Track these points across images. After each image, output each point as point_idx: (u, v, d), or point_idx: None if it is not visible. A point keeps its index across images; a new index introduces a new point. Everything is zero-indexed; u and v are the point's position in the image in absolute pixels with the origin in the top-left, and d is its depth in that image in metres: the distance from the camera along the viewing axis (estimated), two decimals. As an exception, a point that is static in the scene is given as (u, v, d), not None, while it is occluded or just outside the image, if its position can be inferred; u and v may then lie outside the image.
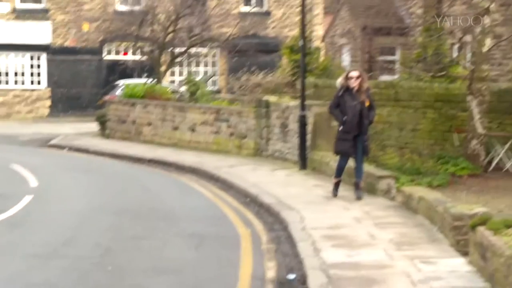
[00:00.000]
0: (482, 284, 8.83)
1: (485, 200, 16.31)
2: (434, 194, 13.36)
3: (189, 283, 9.39)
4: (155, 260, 10.55)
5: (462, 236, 10.63)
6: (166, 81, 34.88)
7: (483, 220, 9.58)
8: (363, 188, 14.90)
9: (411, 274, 9.31)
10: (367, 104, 14.51)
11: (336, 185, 14.92)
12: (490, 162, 20.96)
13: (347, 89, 14.54)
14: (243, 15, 41.12)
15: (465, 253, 10.20)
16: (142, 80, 32.20)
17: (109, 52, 40.66)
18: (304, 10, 20.19)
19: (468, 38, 21.68)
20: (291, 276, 9.85)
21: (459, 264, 9.81)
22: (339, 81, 14.77)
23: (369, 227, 12.12)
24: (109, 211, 14.25)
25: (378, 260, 10.02)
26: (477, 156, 20.45)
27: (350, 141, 14.45)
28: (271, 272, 10.11)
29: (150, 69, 33.85)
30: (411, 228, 12.02)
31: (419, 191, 13.77)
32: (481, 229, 9.37)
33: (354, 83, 14.49)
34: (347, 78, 14.58)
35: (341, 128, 14.65)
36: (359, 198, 14.60)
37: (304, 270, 9.76)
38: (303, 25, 20.05)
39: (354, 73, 14.65)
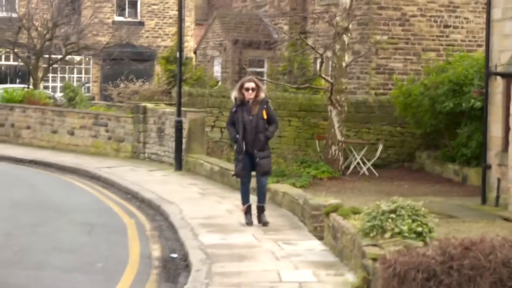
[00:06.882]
0: (333, 259, 10.68)
1: (342, 199, 18.10)
2: (296, 190, 15.30)
3: (86, 259, 10.88)
4: (52, 242, 11.96)
5: (319, 223, 12.53)
6: (40, 87, 35.76)
7: (335, 208, 11.50)
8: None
9: (275, 252, 11.09)
10: (264, 117, 12.75)
11: (247, 212, 13.22)
12: (348, 167, 23.03)
13: (242, 102, 12.79)
14: (118, 24, 42.42)
15: (321, 237, 12.06)
16: (16, 86, 33.04)
17: (-17, 58, 41.10)
18: (181, 23, 21.84)
19: (329, 53, 23.62)
20: (174, 255, 11.47)
21: (316, 245, 11.67)
22: (234, 94, 12.95)
23: (240, 217, 13.78)
24: (1, 205, 15.43)
25: (248, 242, 11.78)
26: (336, 161, 22.28)
27: (241, 162, 12.83)
28: (156, 252, 11.70)
29: (23, 75, 34.65)
30: (276, 218, 13.81)
31: (283, 187, 15.66)
32: (333, 215, 11.26)
33: (250, 95, 12.67)
34: (241, 89, 12.75)
35: (235, 148, 13.18)
36: (264, 224, 13.01)
37: (185, 250, 11.40)
38: (180, 37, 21.65)
39: (250, 84, 12.70)
